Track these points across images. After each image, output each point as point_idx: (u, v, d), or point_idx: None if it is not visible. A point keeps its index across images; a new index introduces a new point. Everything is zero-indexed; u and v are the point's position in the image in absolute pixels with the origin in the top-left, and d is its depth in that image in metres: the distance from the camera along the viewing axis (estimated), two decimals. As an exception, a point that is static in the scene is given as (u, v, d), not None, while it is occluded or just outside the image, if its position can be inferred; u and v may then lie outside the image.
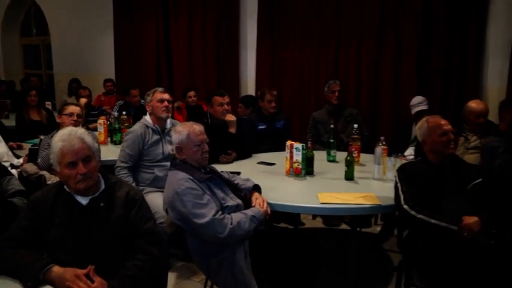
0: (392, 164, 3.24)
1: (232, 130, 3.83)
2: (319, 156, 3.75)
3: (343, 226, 4.40)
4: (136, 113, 5.21)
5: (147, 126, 3.53)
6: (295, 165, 3.32)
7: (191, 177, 2.49)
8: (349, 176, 3.24)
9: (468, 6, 4.60)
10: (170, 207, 2.49)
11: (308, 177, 3.33)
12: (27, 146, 3.92)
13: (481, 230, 2.34)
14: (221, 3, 6.31)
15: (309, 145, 3.43)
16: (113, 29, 7.52)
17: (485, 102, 3.97)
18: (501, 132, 3.31)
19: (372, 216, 4.41)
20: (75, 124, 3.43)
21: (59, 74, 8.87)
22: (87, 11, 8.00)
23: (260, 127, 4.53)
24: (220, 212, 2.44)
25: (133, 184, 3.38)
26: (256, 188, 2.78)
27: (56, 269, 1.78)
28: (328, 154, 3.87)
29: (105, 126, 4.68)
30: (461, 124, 3.92)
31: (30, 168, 3.44)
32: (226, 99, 3.91)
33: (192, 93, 6.10)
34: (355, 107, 5.05)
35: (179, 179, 2.47)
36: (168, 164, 3.35)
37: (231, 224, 2.40)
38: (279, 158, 3.68)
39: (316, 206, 2.74)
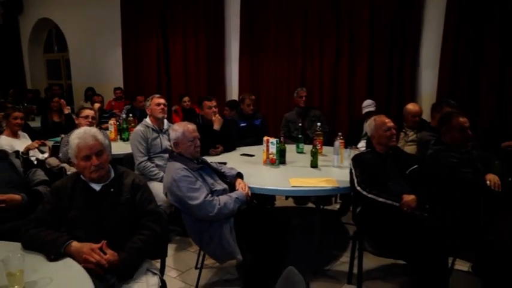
0: (348, 154, 3.26)
1: (216, 127, 3.80)
2: (290, 148, 3.75)
3: (310, 204, 4.41)
4: (141, 115, 5.14)
5: (148, 126, 3.50)
6: (271, 156, 3.32)
7: (186, 167, 2.46)
8: (314, 164, 3.25)
9: (405, 26, 4.63)
10: (169, 192, 2.46)
11: (281, 166, 3.33)
12: (50, 143, 3.83)
13: (417, 206, 2.36)
14: (210, 25, 6.27)
15: (281, 140, 3.43)
16: (121, 46, 7.39)
17: (419, 105, 4.02)
18: (433, 128, 3.34)
19: (332, 196, 4.43)
20: (90, 125, 3.38)
21: (76, 84, 8.69)
22: (99, 31, 7.83)
23: (242, 124, 4.51)
24: (210, 195, 2.42)
25: (158, 172, 3.35)
26: (239, 175, 2.77)
27: (75, 244, 1.74)
28: (297, 147, 3.87)
29: (115, 126, 4.63)
30: (401, 122, 3.97)
31: (53, 161, 3.37)
32: (214, 102, 3.89)
33: (186, 98, 6.07)
34: (318, 108, 5.05)
35: (176, 169, 2.45)
36: (165, 155, 3.36)
37: (219, 204, 2.39)
38: (258, 151, 3.67)
39: (287, 188, 2.75)
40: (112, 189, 1.94)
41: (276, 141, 3.29)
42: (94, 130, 2.00)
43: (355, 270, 2.65)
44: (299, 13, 5.37)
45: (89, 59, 8.19)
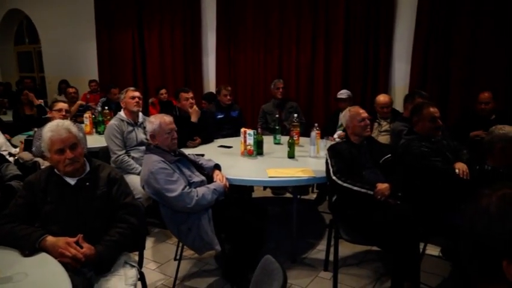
0: (324, 144, 3.29)
1: (194, 119, 3.77)
2: (267, 140, 3.76)
3: (288, 194, 4.45)
4: (117, 108, 5.02)
5: (122, 120, 3.43)
6: (248, 147, 3.32)
7: (163, 159, 2.43)
8: (291, 155, 3.27)
9: (379, 20, 4.70)
10: (146, 184, 2.43)
11: (259, 157, 3.33)
12: (23, 137, 3.72)
13: (391, 194, 2.41)
14: (187, 17, 6.17)
15: (259, 131, 3.43)
16: (95, 37, 7.20)
17: (390, 96, 4.10)
18: (405, 118, 3.41)
19: (309, 186, 4.49)
20: (64, 118, 3.27)
21: (49, 76, 8.42)
22: (73, 22, 7.58)
23: (219, 116, 4.49)
24: (187, 187, 2.41)
25: (135, 166, 3.29)
26: (217, 167, 2.76)
27: (50, 239, 1.71)
28: (275, 138, 3.88)
29: (91, 119, 4.53)
30: (375, 113, 4.04)
31: (26, 156, 3.27)
32: (191, 94, 3.84)
33: (163, 91, 5.99)
34: (295, 100, 5.07)
35: (153, 161, 2.42)
36: (141, 148, 3.31)
37: (197, 196, 2.37)
38: (235, 142, 3.67)
39: (265, 179, 2.76)
40: (87, 183, 1.90)
41: (253, 132, 3.29)
42: (67, 123, 1.95)
43: (331, 258, 2.69)
44: (275, 5, 5.35)
45: (62, 51, 7.93)
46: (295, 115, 3.90)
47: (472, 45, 4.20)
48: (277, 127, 3.93)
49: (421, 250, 2.78)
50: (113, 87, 5.83)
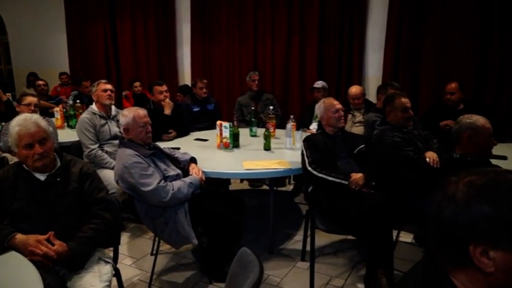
0: (300, 136, 3.30)
1: (167, 112, 3.72)
2: (244, 132, 3.76)
3: (264, 187, 4.47)
4: (89, 101, 4.90)
5: (94, 113, 3.34)
6: (224, 140, 3.30)
7: (137, 153, 2.39)
8: (267, 147, 3.28)
9: (353, 12, 4.75)
10: (120, 179, 2.38)
11: (235, 149, 3.32)
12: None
13: (365, 183, 2.45)
14: (160, 9, 6.05)
15: (235, 124, 3.42)
16: (65, 29, 6.96)
17: (361, 87, 4.16)
18: (378, 109, 3.46)
19: (286, 178, 4.52)
20: (32, 113, 3.16)
21: (17, 69, 8.09)
22: (41, 12, 7.29)
23: (195, 109, 4.45)
24: (163, 181, 2.38)
25: (109, 160, 3.22)
26: (193, 160, 2.74)
27: (19, 237, 1.65)
28: (251, 130, 3.88)
29: (62, 112, 4.39)
30: (349, 104, 4.09)
31: (-8, 151, 3.14)
32: (165, 87, 3.79)
33: (137, 83, 5.89)
34: (271, 92, 5.08)
35: (127, 155, 2.37)
36: (115, 142, 3.24)
37: (173, 190, 2.35)
38: (212, 135, 3.64)
39: (241, 171, 2.75)
40: (58, 179, 1.84)
41: (229, 125, 3.28)
42: (36, 116, 1.87)
43: (308, 248, 2.72)
44: (250, -3, 5.32)
45: (30, 42, 7.62)
46: (271, 107, 3.90)
47: (442, 38, 4.32)
48: (253, 119, 3.92)
49: (394, 238, 2.86)
50: (84, 80, 5.69)
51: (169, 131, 3.68)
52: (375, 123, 3.06)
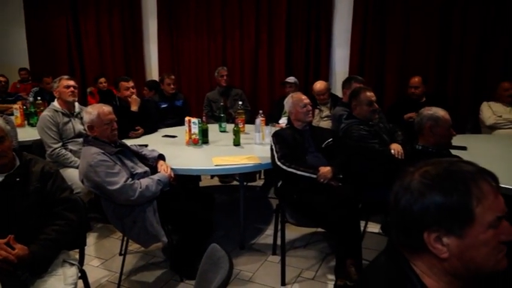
0: (269, 131, 3.31)
1: (134, 108, 3.63)
2: (213, 128, 3.74)
3: (235, 182, 4.46)
4: (51, 98, 4.69)
5: (56, 111, 3.21)
6: (193, 136, 3.27)
7: (103, 151, 2.32)
8: (236, 143, 3.27)
9: (319, 9, 4.81)
10: (85, 178, 2.31)
11: (204, 146, 3.30)
12: None
13: (333, 176, 2.49)
14: (125, 3, 5.90)
15: (203, 120, 3.39)
16: (24, 23, 6.65)
17: (325, 83, 4.22)
18: (345, 103, 3.51)
19: (257, 173, 4.52)
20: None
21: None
22: (-2, 6, 6.96)
23: (162, 106, 4.37)
24: (130, 179, 2.32)
25: (74, 159, 3.10)
26: (161, 157, 2.68)
27: (-24, 241, 1.57)
28: (220, 126, 3.86)
29: (22, 110, 4.20)
30: (316, 99, 4.14)
31: None
32: (131, 83, 3.71)
33: (103, 79, 5.72)
34: (240, 87, 5.07)
35: (92, 153, 2.30)
36: (80, 140, 3.13)
37: (140, 187, 2.30)
38: (180, 131, 3.60)
39: (211, 167, 2.73)
40: (18, 179, 1.76)
41: (198, 121, 3.24)
42: (-9, 115, 1.78)
43: (279, 242, 2.74)
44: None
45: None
46: (240, 102, 3.90)
47: (404, 33, 4.46)
48: (222, 115, 3.90)
49: (362, 228, 2.92)
50: (45, 76, 5.46)
51: (137, 128, 3.59)
52: (342, 117, 3.11)
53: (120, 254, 2.89)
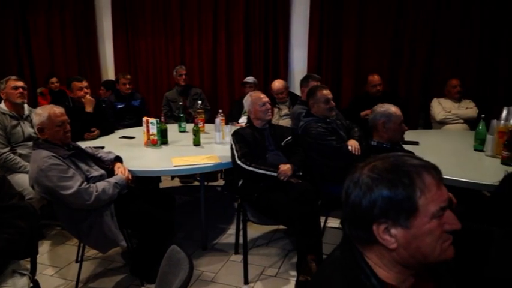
0: (229, 130, 3.31)
1: (89, 109, 3.51)
2: (172, 128, 3.68)
3: (196, 182, 4.41)
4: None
5: (4, 113, 3.03)
6: (152, 137, 3.20)
7: (55, 155, 2.22)
8: (196, 142, 3.24)
9: (277, 9, 4.87)
10: (36, 183, 2.20)
11: (163, 146, 3.24)
12: None
13: (292, 173, 2.53)
14: (78, 2, 5.67)
15: (162, 120, 3.32)
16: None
17: (283, 81, 4.27)
18: (303, 101, 3.57)
19: (218, 172, 4.50)
20: None
21: None
22: None
23: (119, 106, 4.24)
24: (85, 183, 2.24)
25: (23, 164, 2.96)
26: (118, 159, 2.61)
27: None
28: (179, 126, 3.81)
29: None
30: (274, 98, 4.18)
31: None
32: (85, 83, 3.56)
33: (54, 79, 5.47)
34: (199, 87, 5.02)
35: (43, 157, 2.19)
36: (29, 143, 2.99)
37: (96, 191, 2.22)
38: (138, 132, 3.51)
39: (170, 168, 2.69)
40: (-40, 186, 1.65)
41: (156, 121, 3.18)
42: None
43: (241, 241, 2.75)
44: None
45: None
46: (200, 102, 3.86)
47: (359, 33, 4.60)
48: (181, 115, 3.85)
49: (322, 224, 2.99)
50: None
51: (92, 129, 3.47)
52: (301, 115, 3.15)
53: (77, 261, 2.78)
